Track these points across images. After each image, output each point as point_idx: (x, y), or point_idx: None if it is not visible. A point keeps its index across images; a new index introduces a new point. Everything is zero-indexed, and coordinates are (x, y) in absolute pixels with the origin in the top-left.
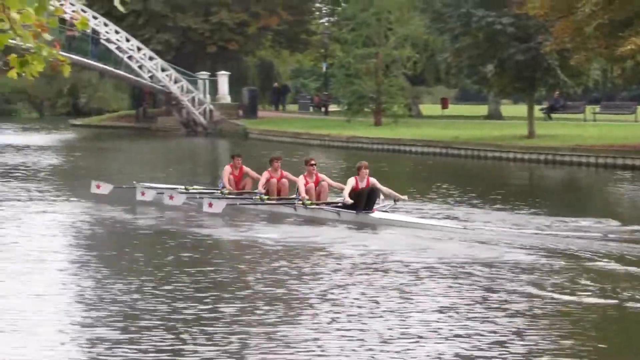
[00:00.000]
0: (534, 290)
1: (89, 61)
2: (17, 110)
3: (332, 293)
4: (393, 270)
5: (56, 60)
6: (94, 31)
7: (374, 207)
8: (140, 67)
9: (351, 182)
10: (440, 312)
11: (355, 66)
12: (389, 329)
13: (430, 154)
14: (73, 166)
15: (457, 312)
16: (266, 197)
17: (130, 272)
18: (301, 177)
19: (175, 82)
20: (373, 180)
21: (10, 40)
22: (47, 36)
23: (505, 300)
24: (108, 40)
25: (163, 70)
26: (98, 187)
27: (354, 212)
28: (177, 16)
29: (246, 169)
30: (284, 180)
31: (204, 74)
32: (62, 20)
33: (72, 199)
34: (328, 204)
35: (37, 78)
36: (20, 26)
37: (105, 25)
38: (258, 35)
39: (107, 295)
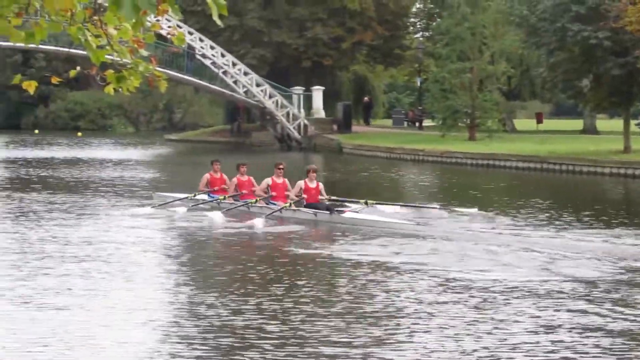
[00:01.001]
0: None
1: (185, 76)
2: (113, 125)
3: (425, 311)
4: (481, 288)
5: (152, 76)
6: (190, 47)
7: (345, 209)
8: (235, 82)
9: (300, 184)
10: (535, 333)
11: (450, 81)
12: (484, 348)
13: (524, 169)
14: (168, 180)
15: (554, 333)
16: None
17: (215, 287)
18: (270, 179)
19: (270, 97)
20: (321, 184)
21: (108, 56)
22: (144, 52)
23: (601, 321)
24: (203, 55)
25: (258, 85)
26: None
27: (328, 213)
28: (272, 32)
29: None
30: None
31: (298, 89)
32: (160, 36)
33: (164, 213)
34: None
35: (133, 93)
36: (117, 42)
37: (201, 40)
38: (352, 50)
39: (193, 311)
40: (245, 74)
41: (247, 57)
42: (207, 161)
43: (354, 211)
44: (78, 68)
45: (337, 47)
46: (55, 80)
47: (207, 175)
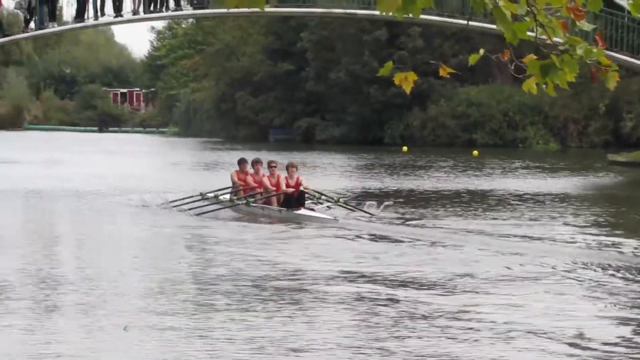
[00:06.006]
0: None
1: None
2: (528, 139)
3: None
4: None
5: (596, 64)
6: None
7: (306, 206)
8: None
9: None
10: None
11: None
12: None
13: None
14: (619, 225)
15: None
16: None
17: None
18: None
19: None
20: (301, 178)
21: (530, 33)
22: (586, 25)
23: None
24: None
25: None
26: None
27: (285, 209)
28: None
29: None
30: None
31: None
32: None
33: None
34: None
35: (559, 90)
36: (543, 11)
37: None
38: None
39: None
40: None
41: None
42: None
43: (309, 208)
44: (481, 52)
45: None
46: (445, 71)
47: (233, 174)
